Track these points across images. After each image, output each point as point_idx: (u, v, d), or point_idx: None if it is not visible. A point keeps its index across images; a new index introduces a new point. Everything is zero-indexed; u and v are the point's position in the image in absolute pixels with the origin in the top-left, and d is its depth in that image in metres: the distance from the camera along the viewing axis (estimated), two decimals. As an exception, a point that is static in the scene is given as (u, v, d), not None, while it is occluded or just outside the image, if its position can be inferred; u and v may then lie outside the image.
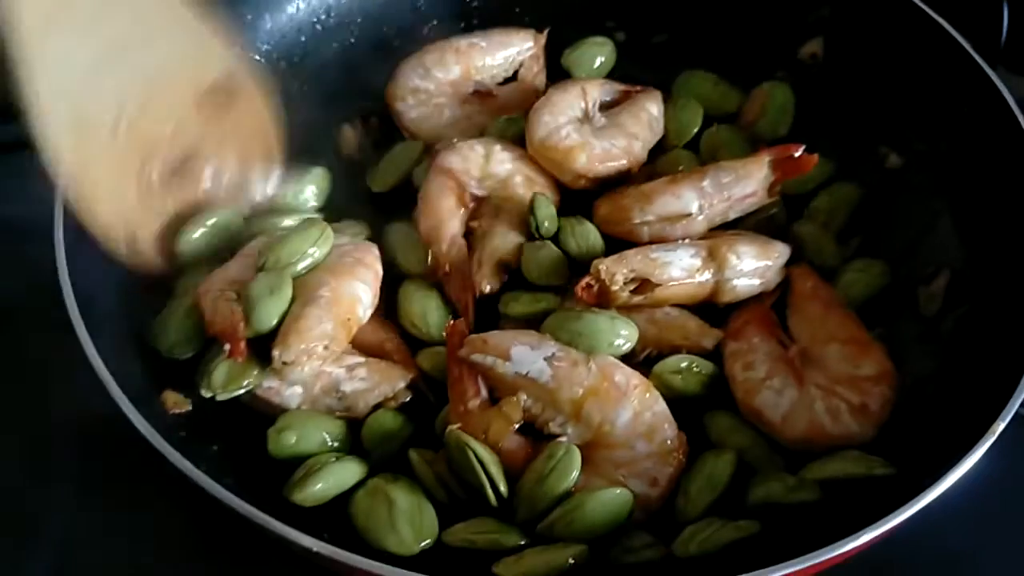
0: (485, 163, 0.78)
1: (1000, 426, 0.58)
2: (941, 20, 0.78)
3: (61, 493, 0.72)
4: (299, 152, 0.81)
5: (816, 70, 0.86)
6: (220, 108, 0.68)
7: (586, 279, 0.69)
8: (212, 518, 0.63)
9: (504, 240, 0.74)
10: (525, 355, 0.64)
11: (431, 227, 0.75)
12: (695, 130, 0.83)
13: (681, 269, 0.69)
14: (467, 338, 0.67)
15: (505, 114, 0.84)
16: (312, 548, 0.55)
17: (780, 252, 0.72)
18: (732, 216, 0.74)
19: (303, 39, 0.90)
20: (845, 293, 0.72)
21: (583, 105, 0.82)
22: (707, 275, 0.70)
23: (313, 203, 0.80)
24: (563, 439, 0.63)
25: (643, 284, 0.69)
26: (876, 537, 0.55)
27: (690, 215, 0.72)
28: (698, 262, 0.69)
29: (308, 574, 0.65)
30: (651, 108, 0.82)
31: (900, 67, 0.81)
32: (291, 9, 0.89)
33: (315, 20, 0.90)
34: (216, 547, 0.70)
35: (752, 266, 0.70)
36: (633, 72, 0.88)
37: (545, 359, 0.64)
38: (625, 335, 0.67)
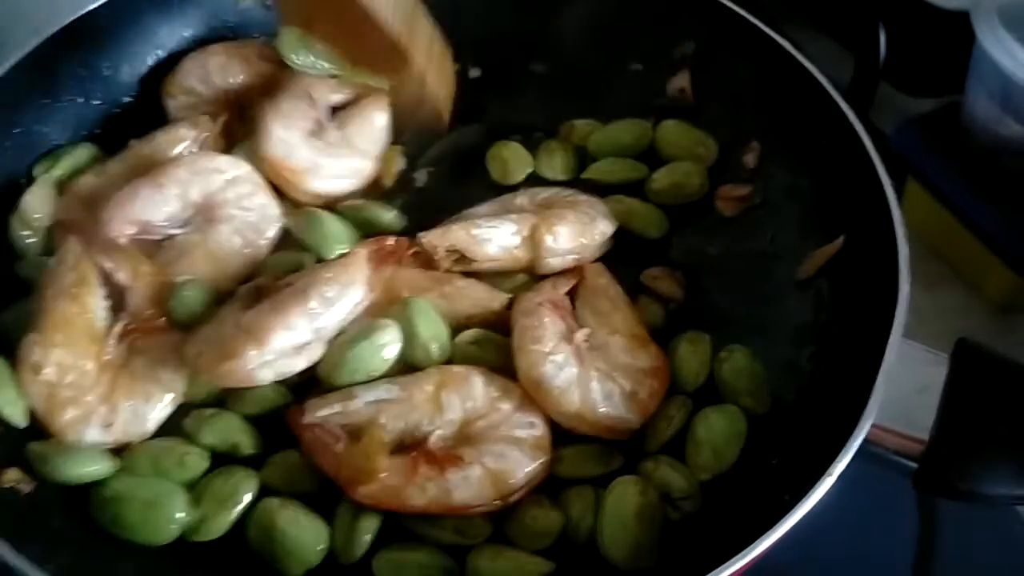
0: None
1: (838, 468, 0.57)
2: (799, 55, 0.78)
3: None
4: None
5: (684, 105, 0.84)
6: None
7: (412, 249, 0.70)
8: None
9: None
10: (366, 388, 0.64)
11: None
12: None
13: (499, 247, 0.70)
14: (306, 403, 0.64)
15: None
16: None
17: (602, 230, 0.74)
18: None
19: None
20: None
21: (314, 114, 0.78)
22: (524, 252, 0.71)
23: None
24: (438, 432, 0.63)
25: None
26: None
27: (309, 343, 0.65)
28: (517, 240, 0.71)
29: None
30: (377, 120, 0.80)
31: (761, 101, 0.80)
32: (150, 60, 0.84)
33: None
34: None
35: (569, 245, 0.72)
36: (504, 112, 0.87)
37: (387, 383, 0.65)
38: (388, 340, 0.66)
